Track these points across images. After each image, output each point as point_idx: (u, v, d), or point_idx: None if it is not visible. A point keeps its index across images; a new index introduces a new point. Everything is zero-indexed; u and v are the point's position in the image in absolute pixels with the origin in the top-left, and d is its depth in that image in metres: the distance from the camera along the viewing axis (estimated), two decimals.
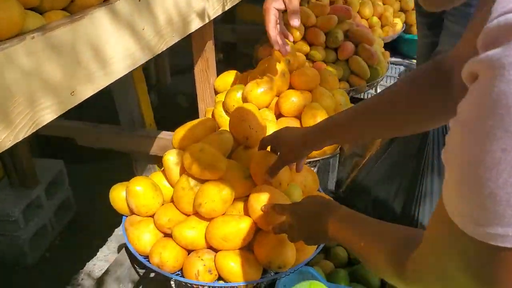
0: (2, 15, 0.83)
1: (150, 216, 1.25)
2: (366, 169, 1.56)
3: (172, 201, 1.27)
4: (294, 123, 1.58)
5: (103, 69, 1.09)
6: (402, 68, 2.86)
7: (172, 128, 2.74)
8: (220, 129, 1.30)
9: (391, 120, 0.88)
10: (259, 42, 2.36)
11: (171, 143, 1.33)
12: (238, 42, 3.54)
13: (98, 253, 2.21)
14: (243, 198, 1.22)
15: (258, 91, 1.54)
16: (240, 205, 1.19)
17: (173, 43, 1.40)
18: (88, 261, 2.17)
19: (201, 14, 1.51)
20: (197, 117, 1.83)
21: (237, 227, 1.12)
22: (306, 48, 2.06)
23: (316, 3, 2.20)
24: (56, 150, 2.62)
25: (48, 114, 0.95)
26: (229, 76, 1.85)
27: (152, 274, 1.79)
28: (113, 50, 1.11)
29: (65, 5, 1.03)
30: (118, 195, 1.27)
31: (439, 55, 1.63)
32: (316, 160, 1.56)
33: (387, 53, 2.33)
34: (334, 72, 1.84)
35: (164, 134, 1.99)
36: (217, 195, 1.11)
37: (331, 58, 2.09)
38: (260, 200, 1.11)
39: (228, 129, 1.36)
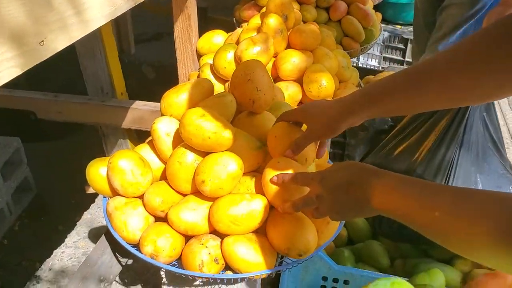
0: None
1: (138, 197, 1.04)
2: (385, 144, 1.39)
3: (162, 178, 1.07)
4: (294, 88, 1.40)
5: (78, 15, 0.86)
6: (386, 34, 2.72)
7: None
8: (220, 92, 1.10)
9: (459, 84, 0.70)
10: (239, 3, 2.13)
11: (159, 110, 1.11)
12: (209, 8, 3.29)
13: (66, 239, 1.97)
14: (252, 173, 1.03)
15: (254, 50, 1.33)
16: (248, 181, 1.00)
17: None
18: (55, 248, 1.93)
19: None
20: (168, 88, 1.60)
21: (249, 208, 0.93)
22: (296, 7, 1.85)
23: None
24: (12, 126, 2.33)
25: (11, 68, 0.72)
26: (214, 35, 1.63)
27: (130, 261, 1.58)
28: None
29: None
30: (97, 172, 1.05)
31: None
32: None
33: (379, 15, 2.16)
34: (330, 32, 1.65)
35: (139, 104, 1.77)
36: (224, 170, 0.92)
37: (323, 19, 1.90)
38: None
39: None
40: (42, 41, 0.78)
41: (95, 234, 1.99)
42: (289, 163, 0.93)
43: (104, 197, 1.09)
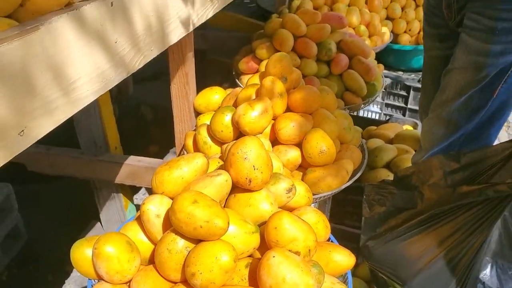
0: None
1: (124, 284, 0.97)
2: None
3: (152, 260, 1.00)
4: (294, 153, 1.34)
5: (65, 96, 0.81)
6: (388, 80, 2.68)
7: (135, 144, 2.41)
8: (214, 169, 1.04)
9: None
10: (238, 53, 2.10)
11: (153, 166, 1.05)
12: (208, 49, 3.27)
13: None
14: (247, 258, 0.96)
15: (252, 114, 1.28)
16: (242, 269, 0.93)
17: (152, 57, 1.13)
18: None
19: (185, 22, 1.24)
20: (166, 133, 1.55)
21: None
22: (296, 60, 1.82)
23: (307, 10, 1.97)
24: (2, 170, 2.27)
25: None
26: (212, 93, 1.59)
27: None
28: (78, 71, 0.83)
29: (10, 11, 0.75)
30: (82, 255, 0.98)
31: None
32: (324, 197, 1.33)
33: (381, 66, 2.13)
34: (331, 90, 1.61)
35: (133, 160, 1.71)
36: (216, 263, 0.85)
37: (324, 73, 1.86)
38: (273, 274, 0.85)
39: (220, 162, 1.11)
40: (22, 130, 0.73)
41: None
42: (285, 257, 0.86)
43: (89, 279, 1.03)
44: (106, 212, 1.93)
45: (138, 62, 1.06)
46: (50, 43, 0.75)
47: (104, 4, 0.89)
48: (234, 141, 1.04)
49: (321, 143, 1.29)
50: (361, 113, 2.70)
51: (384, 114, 2.69)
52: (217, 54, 3.29)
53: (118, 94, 3.28)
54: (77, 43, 0.82)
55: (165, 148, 2.85)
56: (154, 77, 3.74)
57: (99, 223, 2.11)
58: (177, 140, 1.61)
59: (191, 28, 1.29)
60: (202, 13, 1.36)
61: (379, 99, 2.72)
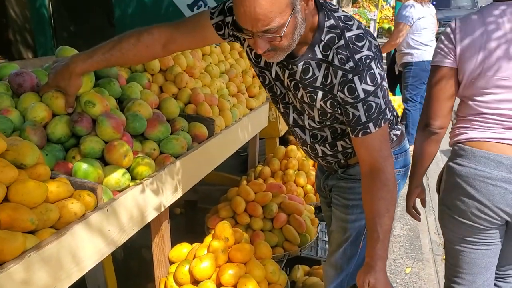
0: (10, 245, 1.23)
1: None
2: None
3: None
4: None
5: (77, 266, 1.47)
6: None
7: (136, 282, 3.01)
8: None
9: None
10: (210, 211, 2.80)
11: None
12: (199, 199, 4.01)
13: None
14: None
15: (201, 266, 1.93)
16: None
17: (133, 233, 1.81)
18: None
19: (158, 207, 1.95)
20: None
21: None
22: (247, 219, 2.51)
23: (255, 182, 2.71)
24: None
25: None
26: (181, 248, 2.25)
27: None
28: (86, 251, 1.50)
29: (54, 223, 1.45)
30: None
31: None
32: None
33: (316, 220, 2.79)
34: (268, 243, 2.26)
35: None
36: None
37: (268, 227, 2.53)
38: None
39: None
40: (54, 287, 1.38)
41: None
42: None
43: None
44: None
45: (123, 238, 1.74)
46: (71, 239, 1.43)
47: (103, 211, 1.59)
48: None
49: (249, 286, 1.91)
50: (319, 251, 3.30)
51: None
52: (206, 203, 3.99)
53: None
54: (85, 236, 1.50)
55: None
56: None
57: None
58: (157, 284, 2.24)
59: (163, 209, 1.99)
60: (172, 197, 2.06)
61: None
